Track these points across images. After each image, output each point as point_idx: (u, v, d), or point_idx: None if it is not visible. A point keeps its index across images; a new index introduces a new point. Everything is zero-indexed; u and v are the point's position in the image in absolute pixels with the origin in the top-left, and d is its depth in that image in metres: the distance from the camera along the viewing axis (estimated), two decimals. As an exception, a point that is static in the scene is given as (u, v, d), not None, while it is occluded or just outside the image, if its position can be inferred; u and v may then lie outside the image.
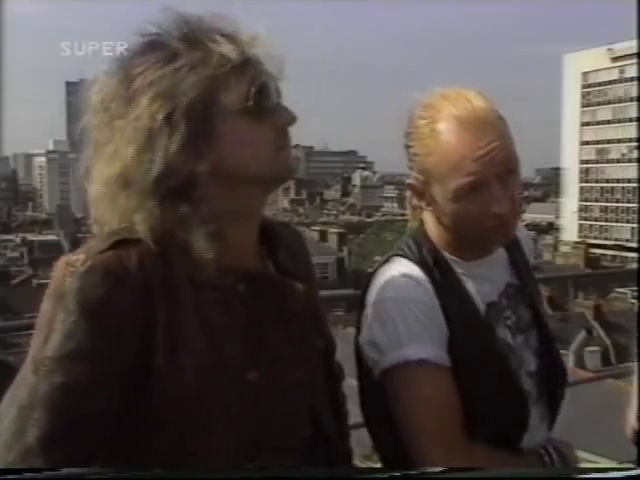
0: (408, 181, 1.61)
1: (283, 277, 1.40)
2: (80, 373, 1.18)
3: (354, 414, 1.75)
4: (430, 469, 1.44)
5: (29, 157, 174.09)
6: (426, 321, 1.52)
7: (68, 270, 1.20)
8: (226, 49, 1.23)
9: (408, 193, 1.65)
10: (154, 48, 1.26)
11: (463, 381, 1.52)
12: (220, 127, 1.25)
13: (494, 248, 1.64)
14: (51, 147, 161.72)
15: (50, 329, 1.19)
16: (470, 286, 1.60)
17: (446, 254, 1.60)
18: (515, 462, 1.57)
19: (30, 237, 70.70)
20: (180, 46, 1.24)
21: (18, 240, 69.22)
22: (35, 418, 1.17)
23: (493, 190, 1.49)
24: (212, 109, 1.24)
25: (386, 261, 1.62)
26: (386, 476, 1.35)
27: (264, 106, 1.27)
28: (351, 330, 1.69)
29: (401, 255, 1.60)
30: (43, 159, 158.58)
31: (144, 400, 1.24)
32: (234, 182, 1.29)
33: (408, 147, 1.58)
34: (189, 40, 1.25)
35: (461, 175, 1.48)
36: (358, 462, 1.81)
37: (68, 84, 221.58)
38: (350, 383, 1.75)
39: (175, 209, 1.25)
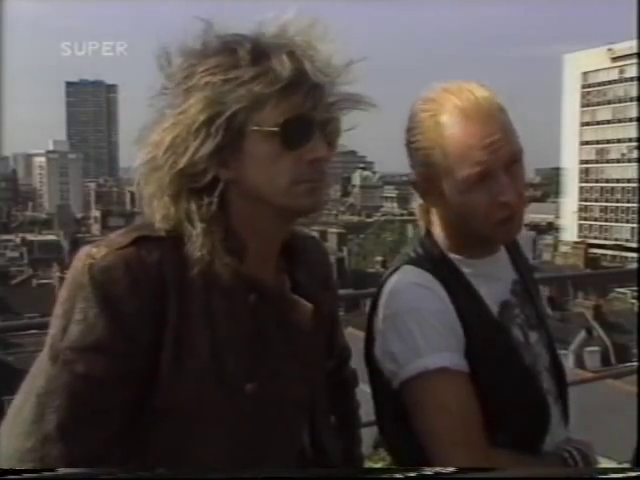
0: (412, 179, 1.60)
1: (293, 295, 1.41)
2: (98, 366, 1.20)
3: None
4: (435, 469, 1.42)
5: (29, 157, 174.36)
6: (443, 329, 1.50)
7: (88, 262, 1.22)
8: (281, 69, 1.23)
9: (415, 193, 1.63)
10: (222, 52, 1.26)
11: (483, 384, 1.50)
12: (247, 144, 1.26)
13: (502, 243, 1.63)
14: (51, 147, 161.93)
15: (69, 319, 1.21)
16: (482, 287, 1.58)
17: (454, 256, 1.59)
18: (535, 465, 1.55)
19: (30, 237, 70.88)
20: (245, 57, 1.24)
21: (18, 240, 69.38)
22: (55, 406, 1.19)
23: (500, 180, 1.48)
24: (246, 125, 1.24)
25: (395, 270, 1.59)
26: (388, 476, 1.34)
27: (292, 136, 1.25)
28: (352, 330, 1.69)
29: (410, 263, 1.58)
30: (43, 159, 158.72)
31: (150, 397, 1.25)
32: (252, 200, 1.30)
33: (410, 143, 1.56)
34: (256, 52, 1.25)
35: (468, 165, 1.47)
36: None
37: (68, 84, 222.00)
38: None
39: (189, 206, 1.27)
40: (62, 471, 1.20)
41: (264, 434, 1.32)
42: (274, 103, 1.23)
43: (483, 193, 1.49)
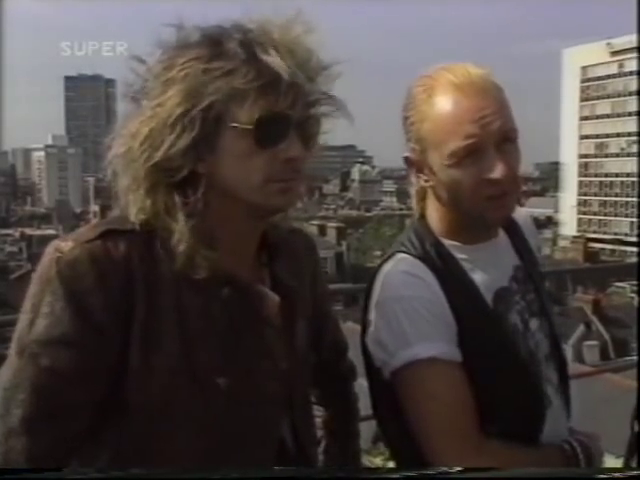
0: (405, 154, 1.58)
1: (270, 290, 1.39)
2: (63, 359, 1.20)
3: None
4: (435, 469, 1.41)
5: (28, 152, 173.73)
6: (432, 318, 1.49)
7: (55, 255, 1.21)
8: (261, 66, 1.21)
9: (408, 172, 1.61)
10: (202, 44, 1.24)
11: (476, 375, 1.49)
12: (222, 140, 1.24)
13: (495, 225, 1.60)
14: (50, 142, 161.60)
15: (36, 313, 1.21)
16: (477, 274, 1.57)
17: (449, 241, 1.58)
18: (535, 458, 1.52)
19: (29, 232, 70.79)
20: (225, 49, 1.23)
21: (17, 235, 69.35)
22: (20, 399, 1.19)
23: (489, 156, 1.47)
24: (222, 119, 1.23)
25: (388, 258, 1.58)
26: (386, 476, 1.33)
27: (266, 135, 1.23)
28: (350, 325, 1.68)
29: (403, 251, 1.57)
30: (42, 154, 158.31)
31: (120, 394, 1.24)
32: (225, 195, 1.28)
33: (405, 119, 1.56)
34: (237, 45, 1.23)
35: (457, 138, 1.46)
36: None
37: (67, 79, 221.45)
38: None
39: (170, 200, 1.26)
40: (64, 471, 1.20)
41: (238, 430, 1.31)
42: (251, 99, 1.21)
43: (472, 168, 1.48)
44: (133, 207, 1.27)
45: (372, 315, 1.54)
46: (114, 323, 1.21)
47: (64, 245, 1.22)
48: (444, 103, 1.49)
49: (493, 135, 1.47)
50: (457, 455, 1.45)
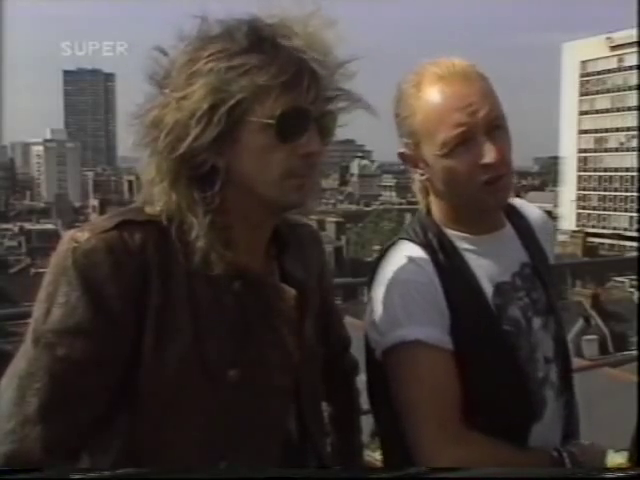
0: (399, 150, 1.61)
1: (280, 282, 1.41)
2: (79, 348, 1.21)
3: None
4: (433, 469, 1.40)
5: (27, 146, 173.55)
6: (425, 303, 1.51)
7: (72, 245, 1.23)
8: (286, 61, 1.22)
9: (413, 174, 1.63)
10: (226, 37, 1.25)
11: (466, 364, 1.50)
12: (243, 134, 1.25)
13: (495, 210, 1.61)
14: (49, 136, 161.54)
15: (52, 302, 1.22)
16: (478, 266, 1.58)
17: (453, 232, 1.60)
18: (519, 458, 1.51)
19: (28, 226, 70.94)
20: (249, 44, 1.23)
21: (16, 229, 69.45)
22: (35, 388, 1.21)
23: (480, 142, 1.50)
24: (245, 114, 1.23)
25: (392, 244, 1.62)
26: (385, 476, 1.34)
27: (287, 129, 1.24)
28: (349, 319, 1.68)
29: (406, 238, 1.60)
30: (41, 148, 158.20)
31: (132, 383, 1.26)
32: (242, 189, 1.29)
33: (397, 115, 1.59)
34: (260, 40, 1.24)
35: (448, 128, 1.50)
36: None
37: (65, 73, 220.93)
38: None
39: (190, 194, 1.26)
40: (64, 471, 1.21)
41: (246, 420, 1.32)
42: (275, 95, 1.22)
43: (464, 156, 1.50)
44: (159, 200, 1.28)
45: (371, 298, 1.57)
46: (129, 312, 1.23)
47: (80, 235, 1.24)
48: (432, 95, 1.52)
49: (481, 122, 1.50)
50: (432, 441, 1.46)
